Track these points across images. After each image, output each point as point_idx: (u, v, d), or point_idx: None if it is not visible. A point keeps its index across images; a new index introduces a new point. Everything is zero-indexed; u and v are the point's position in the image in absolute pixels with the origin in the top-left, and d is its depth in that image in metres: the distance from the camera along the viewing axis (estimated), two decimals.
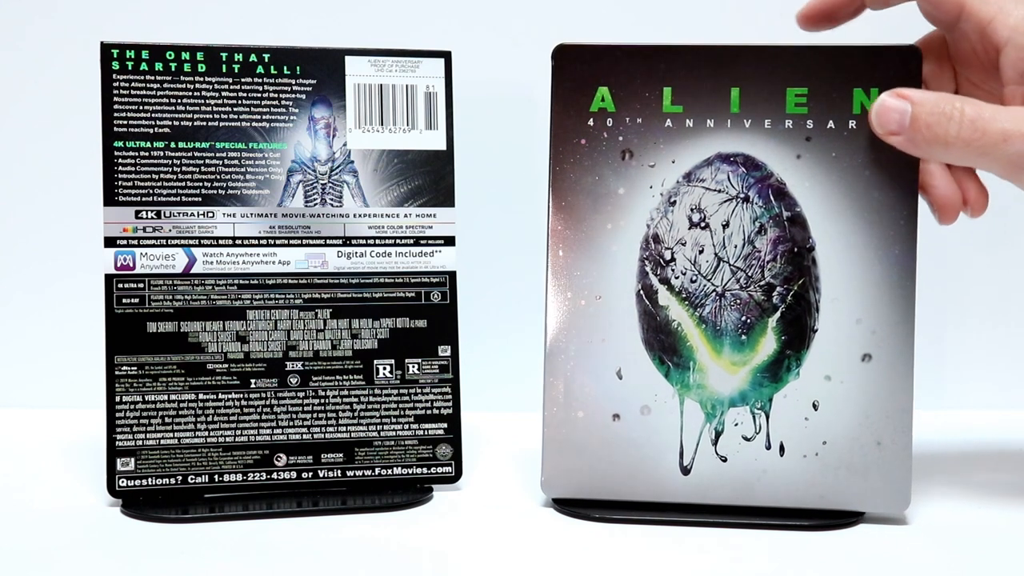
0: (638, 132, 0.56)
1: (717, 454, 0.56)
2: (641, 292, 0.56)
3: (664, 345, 0.56)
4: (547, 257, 0.57)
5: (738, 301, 0.56)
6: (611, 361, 0.57)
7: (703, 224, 0.56)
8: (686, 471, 0.56)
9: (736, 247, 0.56)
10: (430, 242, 0.63)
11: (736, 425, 0.56)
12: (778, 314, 0.56)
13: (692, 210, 0.56)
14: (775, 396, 0.56)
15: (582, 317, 0.57)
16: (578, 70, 0.57)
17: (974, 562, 0.52)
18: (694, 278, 0.56)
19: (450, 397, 0.63)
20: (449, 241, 0.63)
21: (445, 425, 0.63)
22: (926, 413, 0.64)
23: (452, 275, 0.63)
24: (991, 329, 0.83)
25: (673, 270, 0.56)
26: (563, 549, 0.54)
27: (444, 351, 0.63)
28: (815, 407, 0.56)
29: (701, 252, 0.56)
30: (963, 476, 0.65)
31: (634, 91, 0.56)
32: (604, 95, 0.56)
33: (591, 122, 0.56)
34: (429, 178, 0.63)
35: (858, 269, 0.55)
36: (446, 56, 0.63)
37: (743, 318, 0.56)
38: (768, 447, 0.56)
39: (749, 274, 0.56)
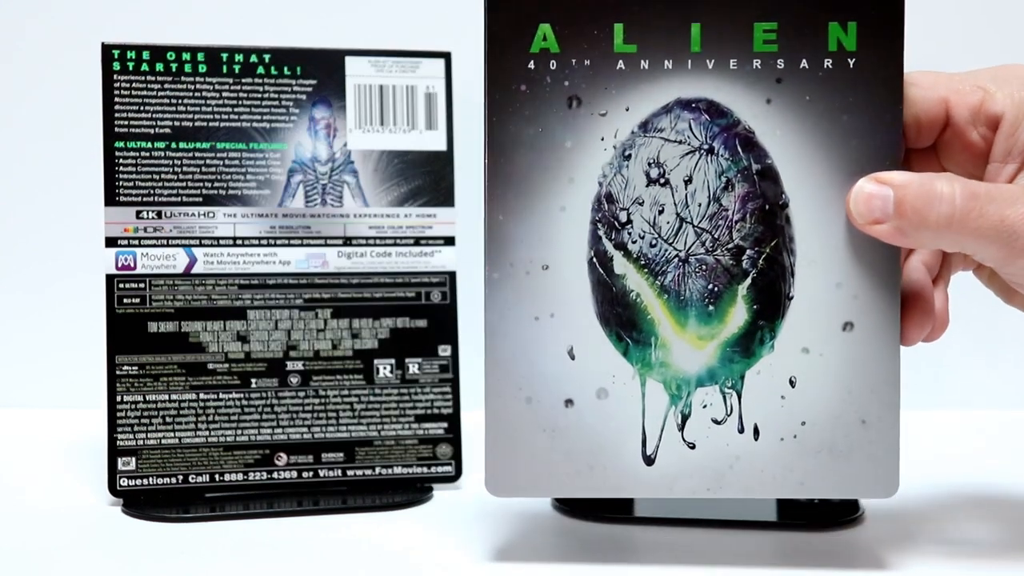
0: (586, 76, 0.49)
1: (684, 440, 0.50)
2: (594, 259, 0.50)
3: (622, 319, 0.50)
4: (484, 223, 0.50)
5: (704, 267, 0.50)
6: (561, 339, 0.50)
7: (662, 180, 0.50)
8: (650, 461, 0.50)
9: (700, 206, 0.50)
10: (430, 242, 0.63)
11: (705, 407, 0.50)
12: (749, 280, 0.50)
13: (650, 164, 0.50)
14: (747, 373, 0.50)
15: (526, 290, 0.50)
16: (515, 4, 0.49)
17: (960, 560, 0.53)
18: (654, 242, 0.50)
19: (450, 397, 0.63)
20: (449, 241, 0.63)
21: (445, 425, 0.63)
22: (921, 412, 0.64)
23: (452, 275, 0.63)
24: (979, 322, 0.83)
25: (630, 233, 0.50)
26: (563, 549, 0.54)
27: (444, 351, 0.63)
28: (792, 384, 0.50)
29: (661, 212, 0.50)
30: (956, 468, 0.65)
31: (581, 28, 0.49)
32: (546, 33, 0.49)
33: (531, 64, 0.49)
34: (429, 178, 0.63)
35: (836, 227, 0.49)
36: (446, 56, 0.63)
37: (710, 286, 0.50)
38: (741, 430, 0.50)
39: (715, 236, 0.50)
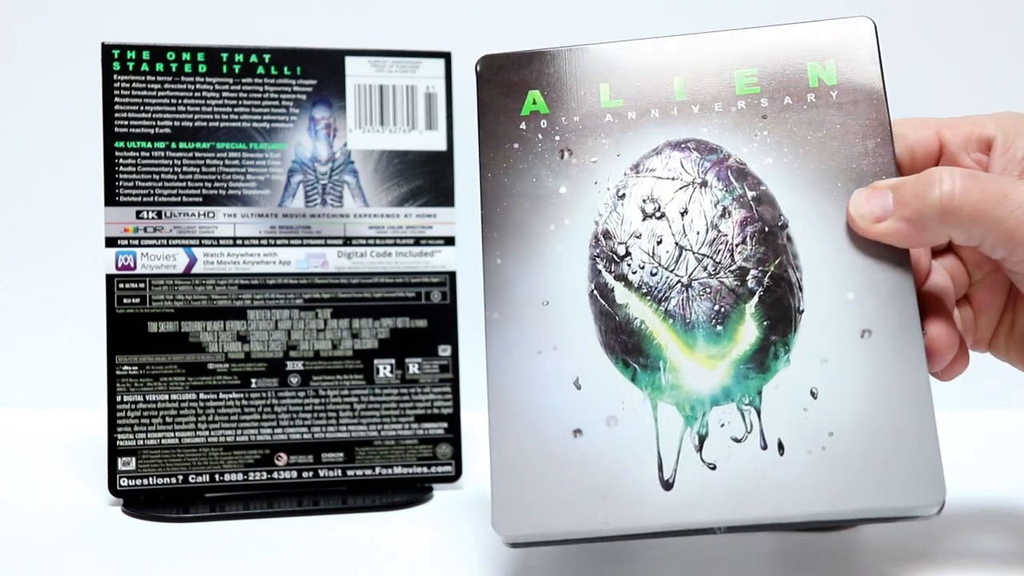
0: (576, 130, 0.51)
1: (703, 461, 0.48)
2: (595, 292, 0.50)
3: (627, 346, 0.49)
4: (483, 267, 0.51)
5: (708, 290, 0.50)
6: (566, 370, 0.49)
7: (658, 214, 0.50)
8: (668, 485, 0.48)
9: (699, 233, 0.50)
10: (430, 242, 0.63)
11: (722, 426, 0.48)
12: (756, 298, 0.49)
13: (645, 201, 0.50)
14: (764, 388, 0.48)
15: (527, 326, 0.50)
16: (505, 77, 0.52)
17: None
18: (654, 271, 0.50)
19: (450, 397, 0.63)
20: (449, 241, 0.63)
21: (445, 425, 0.63)
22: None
23: (452, 275, 0.63)
24: None
25: (629, 264, 0.50)
26: (560, 549, 0.54)
27: (444, 351, 0.63)
28: (814, 395, 0.48)
29: (660, 243, 0.50)
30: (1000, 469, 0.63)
31: (568, 92, 0.52)
32: (535, 98, 0.52)
33: (523, 126, 0.52)
34: (429, 178, 0.63)
35: (841, 241, 0.49)
36: (446, 56, 0.63)
37: (716, 307, 0.49)
38: (764, 447, 0.48)
39: (717, 260, 0.50)
